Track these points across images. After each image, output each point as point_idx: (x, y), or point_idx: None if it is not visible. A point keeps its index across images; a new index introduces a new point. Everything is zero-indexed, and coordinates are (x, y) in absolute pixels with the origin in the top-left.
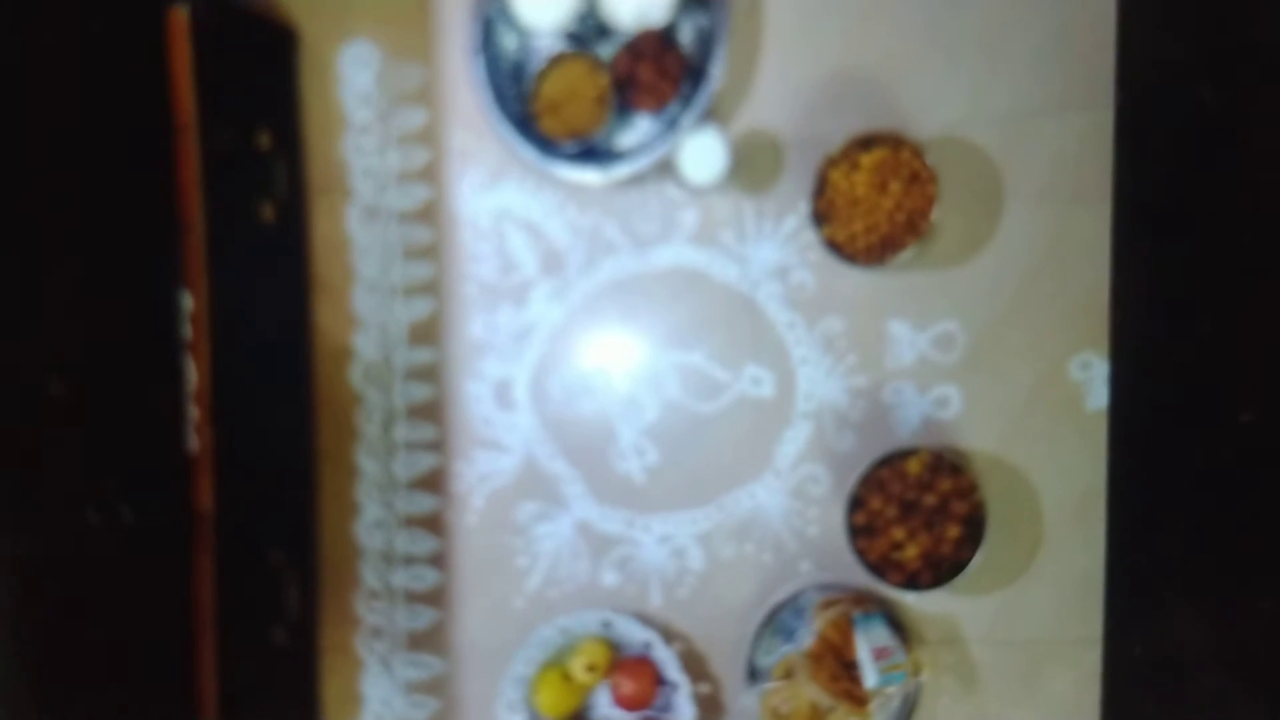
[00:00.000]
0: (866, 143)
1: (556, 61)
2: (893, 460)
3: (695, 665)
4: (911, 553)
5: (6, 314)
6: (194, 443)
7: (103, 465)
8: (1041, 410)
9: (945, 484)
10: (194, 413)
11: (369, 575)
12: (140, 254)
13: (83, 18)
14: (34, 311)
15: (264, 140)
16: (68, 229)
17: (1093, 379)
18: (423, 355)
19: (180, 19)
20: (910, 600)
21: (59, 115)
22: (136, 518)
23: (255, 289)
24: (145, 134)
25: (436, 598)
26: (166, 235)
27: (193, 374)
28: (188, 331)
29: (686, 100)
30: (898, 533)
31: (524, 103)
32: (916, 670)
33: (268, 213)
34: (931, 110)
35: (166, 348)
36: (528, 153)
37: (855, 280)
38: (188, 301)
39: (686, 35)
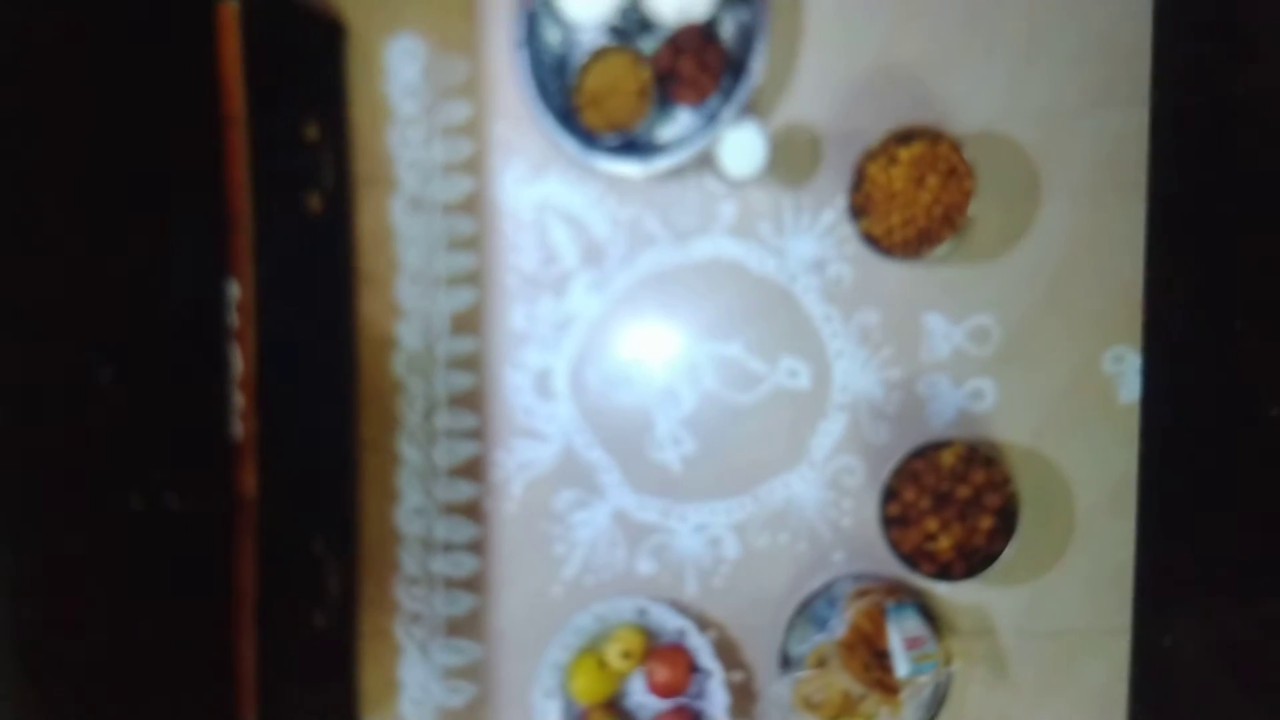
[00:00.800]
0: (905, 137)
1: (599, 55)
2: (927, 452)
3: (729, 653)
4: (944, 544)
5: (56, 303)
6: (238, 430)
7: (148, 452)
8: (1075, 403)
9: (979, 476)
10: (239, 400)
11: (408, 561)
12: (188, 244)
13: (134, 11)
14: (83, 301)
15: (311, 132)
16: (118, 219)
17: (1126, 372)
18: (464, 345)
19: (230, 12)
20: (942, 591)
21: (111, 108)
22: (181, 503)
23: (301, 279)
24: (195, 126)
25: (475, 584)
26: (214, 225)
27: (238, 362)
28: (234, 320)
29: (727, 94)
30: (931, 524)
31: (566, 96)
32: (948, 660)
33: (315, 203)
34: (969, 106)
35: (213, 336)
36: (570, 145)
37: (892, 273)
38: (234, 291)
39: (727, 30)
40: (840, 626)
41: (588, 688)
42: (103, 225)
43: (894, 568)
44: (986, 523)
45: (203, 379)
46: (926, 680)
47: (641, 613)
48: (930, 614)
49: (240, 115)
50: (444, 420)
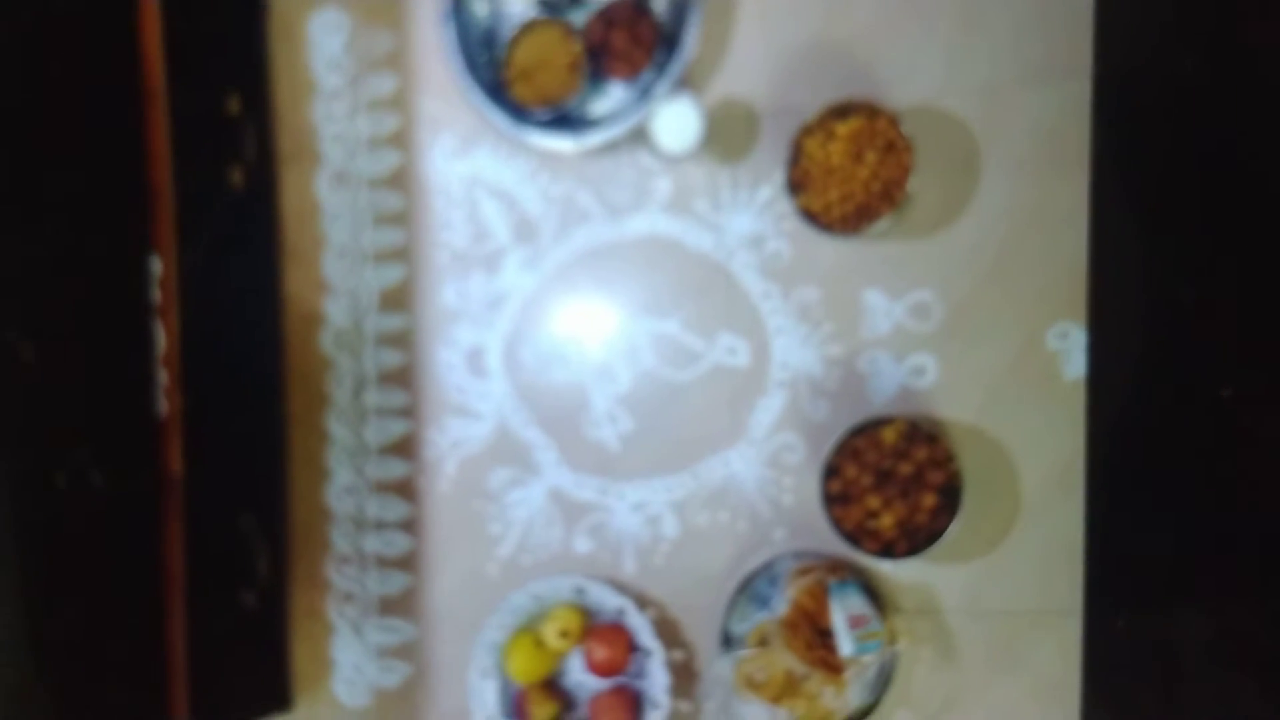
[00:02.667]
0: (842, 112)
1: (529, 28)
2: (868, 429)
3: (669, 632)
4: (887, 521)
5: None
6: (163, 407)
7: (72, 430)
8: (1019, 380)
9: (921, 453)
10: (163, 377)
11: (340, 540)
12: (110, 219)
13: None
14: (2, 276)
15: (233, 105)
16: (37, 194)
17: (1070, 348)
18: (394, 321)
19: None
20: (886, 569)
21: (28, 81)
22: (106, 482)
23: (225, 254)
24: (114, 99)
25: (408, 563)
26: (136, 200)
27: (162, 338)
28: (157, 296)
29: (660, 68)
30: (873, 501)
31: (496, 69)
32: (892, 639)
33: (237, 178)
34: (908, 79)
35: (136, 312)
36: (500, 120)
37: (831, 249)
38: (157, 266)
39: (660, 2)
40: (782, 605)
41: (525, 667)
42: (22, 200)
43: (836, 546)
44: (929, 500)
45: (126, 356)
46: (871, 660)
47: (579, 591)
48: (874, 592)
49: (160, 88)
50: (374, 398)
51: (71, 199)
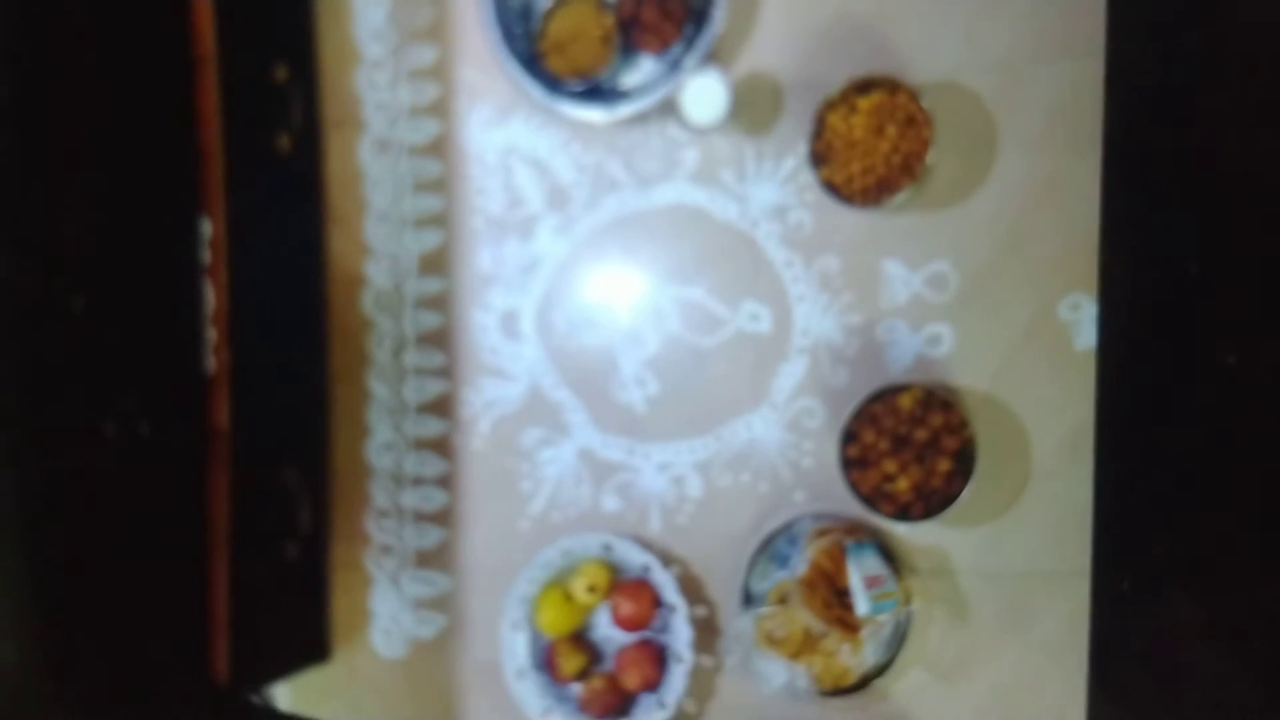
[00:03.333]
0: (864, 87)
1: (563, 2)
2: (885, 395)
3: (692, 589)
4: (903, 485)
5: (29, 233)
6: (211, 363)
7: (121, 381)
8: (1031, 349)
9: (937, 419)
10: (212, 334)
11: (379, 495)
12: (162, 181)
13: None
14: (57, 232)
15: (281, 73)
16: (92, 155)
17: (1081, 319)
18: (432, 285)
19: None
20: (902, 531)
21: (84, 47)
22: (153, 433)
23: (271, 216)
24: (167, 65)
25: (444, 518)
26: (187, 163)
27: (211, 297)
28: (206, 256)
29: (689, 42)
30: (890, 465)
31: (531, 41)
32: (907, 599)
33: (284, 144)
34: (928, 56)
35: (186, 272)
36: (534, 90)
37: (852, 220)
38: (207, 228)
39: None
40: (801, 564)
41: (554, 620)
42: (76, 160)
43: (854, 508)
44: (944, 465)
45: (176, 313)
46: (886, 619)
47: (607, 548)
48: (890, 553)
49: (211, 55)
50: (412, 358)
51: (125, 160)
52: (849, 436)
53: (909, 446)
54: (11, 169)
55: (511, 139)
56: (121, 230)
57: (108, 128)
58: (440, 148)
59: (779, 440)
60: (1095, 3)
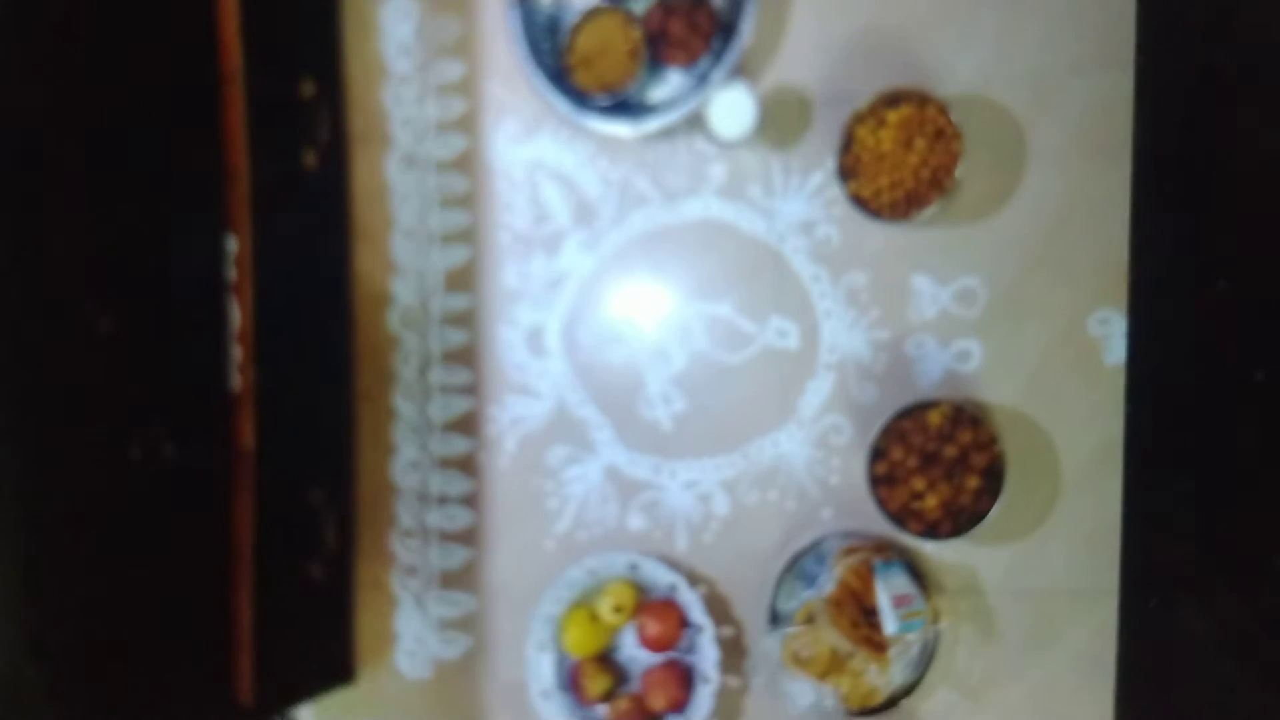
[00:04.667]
0: (893, 100)
1: (590, 16)
2: (914, 412)
3: (719, 608)
4: (931, 503)
5: (57, 253)
6: (237, 382)
7: (147, 402)
8: (1061, 365)
9: (965, 436)
10: (237, 353)
11: (404, 514)
12: (187, 198)
13: None
14: (83, 251)
15: (307, 89)
16: (118, 172)
17: (1111, 335)
18: (458, 301)
19: None
20: (930, 549)
21: (112, 64)
22: (179, 454)
23: (298, 233)
24: (194, 83)
25: (469, 537)
26: (213, 180)
27: (236, 315)
28: (232, 274)
29: (717, 56)
30: (918, 483)
31: (558, 56)
32: (935, 618)
33: (310, 160)
34: (956, 69)
35: (211, 289)
36: (561, 105)
37: (880, 235)
38: (233, 245)
39: None
40: (829, 583)
41: (580, 641)
42: (103, 179)
43: (882, 526)
44: (973, 482)
45: (201, 332)
46: (914, 638)
47: (633, 567)
48: (918, 572)
49: (238, 72)
50: (438, 376)
51: (151, 177)
52: (877, 453)
53: (937, 463)
54: (38, 191)
55: (538, 154)
56: (148, 249)
57: (134, 146)
58: (467, 163)
59: (806, 457)
60: (1124, 15)
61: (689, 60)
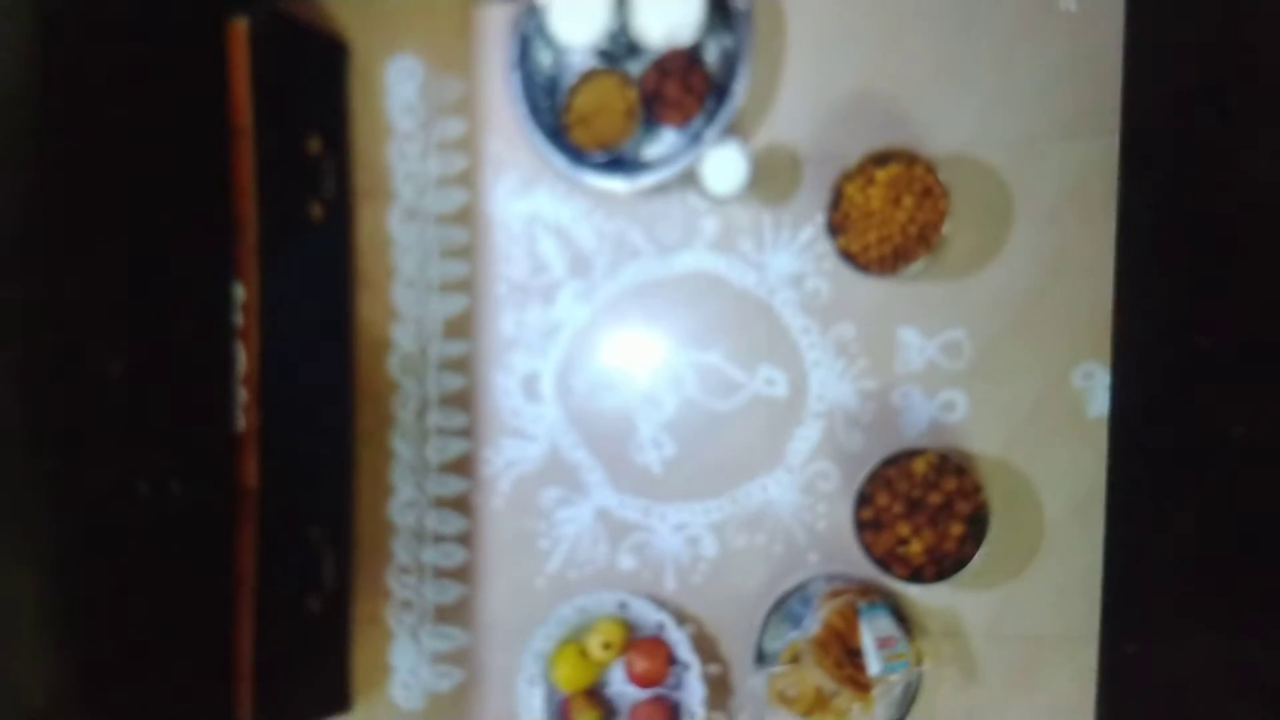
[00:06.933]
0: (882, 159)
1: (588, 77)
2: (900, 460)
3: (706, 647)
4: (916, 548)
5: (72, 300)
6: (242, 423)
7: (155, 442)
8: (1045, 416)
9: (950, 484)
10: (243, 395)
11: (401, 551)
12: (198, 247)
13: (149, 28)
14: (97, 299)
15: (314, 145)
16: (132, 223)
17: (1094, 388)
18: (456, 348)
19: (240, 30)
20: (914, 593)
21: (127, 118)
22: (185, 492)
23: (303, 282)
24: (205, 137)
25: (463, 574)
26: (222, 231)
27: (242, 359)
28: (239, 320)
29: (710, 115)
30: (903, 529)
31: (557, 115)
32: (918, 660)
33: (317, 212)
34: (944, 130)
35: (219, 335)
36: (559, 162)
37: (868, 289)
38: (240, 292)
39: (712, 54)
40: (814, 624)
41: (569, 676)
42: (117, 228)
43: (867, 570)
44: (957, 529)
45: (208, 375)
46: (897, 679)
47: (622, 606)
48: (902, 615)
49: (248, 127)
50: (435, 419)
51: (163, 228)
52: (863, 499)
53: (922, 510)
54: (54, 238)
55: (536, 208)
56: (158, 295)
57: (147, 197)
58: (467, 216)
59: (794, 502)
60: (1111, 80)
61: (683, 120)
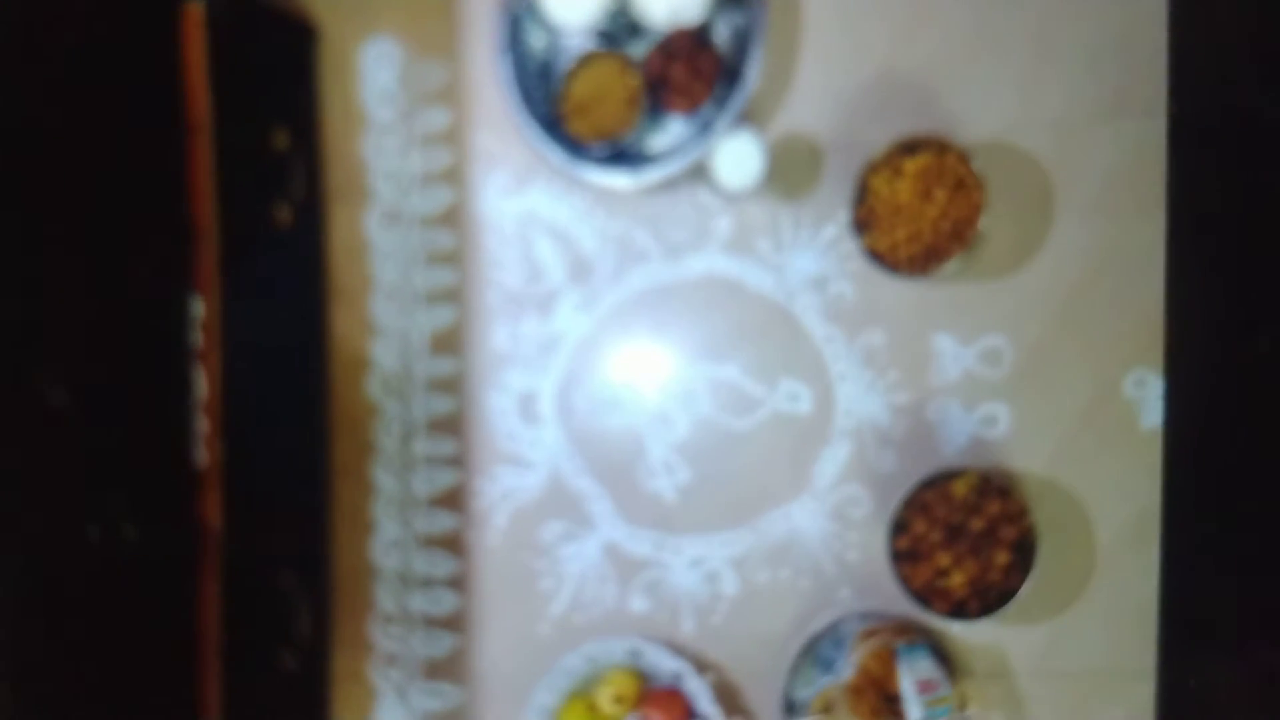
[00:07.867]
0: (910, 148)
1: (586, 61)
2: (938, 482)
3: (729, 698)
4: (958, 580)
5: (6, 318)
6: (202, 457)
7: (105, 479)
8: (1094, 429)
9: (993, 507)
10: (203, 425)
11: (385, 598)
12: (150, 258)
13: (92, 13)
14: (36, 317)
15: (281, 140)
16: (74, 230)
17: (1147, 397)
18: (444, 366)
19: (195, 14)
20: (956, 630)
21: (67, 113)
22: (140, 535)
23: (270, 295)
24: (157, 133)
25: (456, 623)
26: (177, 238)
27: (202, 384)
28: (198, 339)
29: (721, 102)
30: (943, 558)
31: (552, 103)
32: (963, 704)
33: (284, 215)
34: (979, 115)
35: (175, 356)
36: (555, 155)
37: (897, 291)
38: (198, 308)
39: (722, 34)
40: (847, 669)
41: None
42: (57, 236)
43: (904, 606)
44: (1002, 557)
45: (164, 402)
46: None
47: (634, 654)
48: (944, 655)
49: (205, 122)
50: (422, 446)
51: (110, 236)
52: (899, 527)
53: (964, 537)
54: None
55: (530, 208)
56: (107, 313)
57: (92, 202)
58: (453, 218)
59: (821, 531)
60: (1157, 58)
61: (691, 107)
